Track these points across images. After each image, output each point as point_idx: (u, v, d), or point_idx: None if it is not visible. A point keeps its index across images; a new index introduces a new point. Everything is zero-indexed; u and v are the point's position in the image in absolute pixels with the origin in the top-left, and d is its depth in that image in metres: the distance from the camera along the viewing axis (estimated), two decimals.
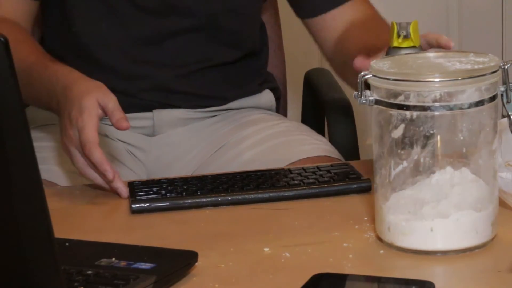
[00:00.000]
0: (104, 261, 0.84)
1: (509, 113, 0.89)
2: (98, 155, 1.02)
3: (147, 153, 1.37)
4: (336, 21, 1.37)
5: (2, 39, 0.55)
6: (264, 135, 1.33)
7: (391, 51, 1.03)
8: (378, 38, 1.18)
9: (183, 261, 0.86)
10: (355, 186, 1.07)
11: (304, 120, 1.56)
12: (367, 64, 0.98)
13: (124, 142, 1.36)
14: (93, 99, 1.04)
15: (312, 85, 1.60)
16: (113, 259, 0.84)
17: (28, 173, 0.62)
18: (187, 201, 1.04)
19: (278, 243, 0.95)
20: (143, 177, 1.34)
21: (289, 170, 1.16)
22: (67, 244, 0.92)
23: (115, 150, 1.35)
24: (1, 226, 0.65)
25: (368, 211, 1.03)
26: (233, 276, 0.87)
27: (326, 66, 1.55)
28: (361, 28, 1.32)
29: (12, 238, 0.66)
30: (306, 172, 1.13)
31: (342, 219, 1.03)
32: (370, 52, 1.10)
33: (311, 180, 1.08)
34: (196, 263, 0.84)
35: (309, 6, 1.38)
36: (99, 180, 1.05)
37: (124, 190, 1.05)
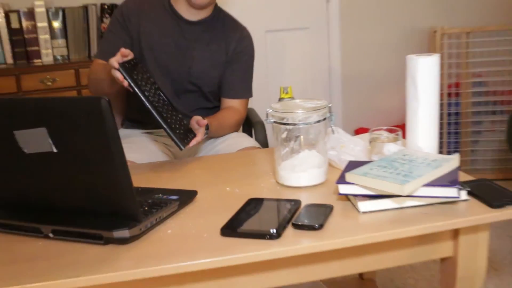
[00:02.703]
0: (156, 196, 1.33)
1: (332, 126, 1.45)
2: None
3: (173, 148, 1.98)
4: (228, 103, 2.06)
5: (106, 99, 1.05)
6: (229, 136, 1.97)
7: (280, 100, 1.66)
8: (218, 119, 1.91)
9: (190, 194, 1.37)
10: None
11: (244, 131, 2.20)
12: (198, 119, 1.71)
13: (164, 144, 2.00)
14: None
15: (248, 115, 2.20)
16: (160, 195, 1.34)
17: (119, 155, 1.09)
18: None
19: (232, 185, 1.46)
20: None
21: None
22: (139, 189, 1.38)
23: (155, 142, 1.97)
24: (109, 174, 1.10)
25: (271, 171, 1.55)
26: (213, 200, 1.36)
27: (253, 106, 2.19)
28: (223, 112, 2.02)
29: (111, 180, 1.11)
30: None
31: (261, 174, 1.55)
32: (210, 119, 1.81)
33: None
34: (196, 196, 1.37)
35: (224, 93, 2.07)
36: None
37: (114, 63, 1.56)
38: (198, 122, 1.72)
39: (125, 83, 1.56)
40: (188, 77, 1.99)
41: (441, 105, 3.35)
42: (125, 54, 1.59)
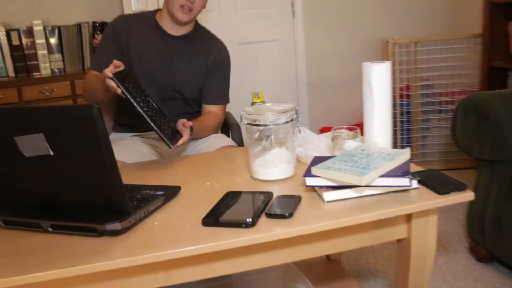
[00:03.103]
0: (144, 192, 1.32)
1: (299, 126, 1.45)
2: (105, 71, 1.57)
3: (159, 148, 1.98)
4: (208, 108, 2.06)
5: (97, 106, 1.05)
6: (209, 137, 1.97)
7: (252, 104, 1.67)
8: (200, 123, 1.91)
9: (174, 190, 1.36)
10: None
11: (222, 132, 2.17)
12: (184, 122, 1.71)
13: (151, 145, 2.00)
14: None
15: (225, 118, 2.17)
16: (147, 190, 1.33)
17: (110, 156, 1.17)
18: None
19: (212, 180, 1.45)
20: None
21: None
22: (128, 186, 1.36)
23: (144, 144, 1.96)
24: (101, 173, 1.10)
25: (246, 167, 1.55)
26: (194, 195, 1.35)
27: (229, 110, 2.21)
28: (204, 116, 2.01)
29: (103, 179, 1.11)
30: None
31: (237, 170, 1.54)
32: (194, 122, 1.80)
33: None
34: (180, 191, 1.37)
35: (204, 100, 2.06)
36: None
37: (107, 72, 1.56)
38: (184, 124, 1.72)
39: (118, 91, 1.56)
40: (172, 85, 1.98)
41: (394, 105, 3.38)
42: (117, 65, 1.59)
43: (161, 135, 1.57)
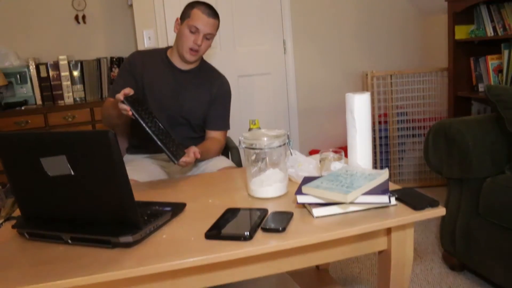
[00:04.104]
0: (153, 208, 1.30)
1: (290, 149, 1.47)
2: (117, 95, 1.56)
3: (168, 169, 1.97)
4: (211, 134, 2.05)
5: (113, 132, 1.06)
6: (211, 159, 1.96)
7: (249, 130, 1.67)
8: (205, 147, 1.90)
9: (180, 206, 1.34)
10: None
11: (223, 154, 2.14)
12: (195, 151, 1.70)
13: (160, 166, 1.98)
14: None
15: (226, 142, 2.16)
16: (157, 207, 1.31)
17: (124, 176, 1.11)
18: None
19: (214, 197, 1.44)
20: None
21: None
22: (140, 202, 1.33)
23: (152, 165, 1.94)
24: (115, 191, 1.10)
25: (244, 186, 1.51)
26: (198, 210, 1.33)
27: (229, 135, 2.20)
28: (208, 141, 2.01)
29: (117, 196, 1.11)
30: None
31: (236, 188, 1.52)
32: (199, 147, 1.79)
33: None
34: (185, 207, 1.35)
35: (208, 126, 2.05)
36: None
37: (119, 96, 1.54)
38: (194, 153, 1.72)
39: (129, 113, 1.55)
40: (180, 112, 1.98)
41: (373, 130, 3.38)
42: (126, 92, 1.57)
43: (166, 151, 1.55)
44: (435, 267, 2.22)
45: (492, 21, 2.86)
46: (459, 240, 2.01)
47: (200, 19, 1.87)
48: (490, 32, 2.87)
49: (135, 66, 1.96)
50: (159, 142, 1.55)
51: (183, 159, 1.63)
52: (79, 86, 3.35)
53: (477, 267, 1.97)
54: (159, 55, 2.02)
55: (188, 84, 1.99)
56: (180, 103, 1.97)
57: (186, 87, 1.98)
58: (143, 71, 1.95)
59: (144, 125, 1.54)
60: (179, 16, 1.98)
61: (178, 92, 1.97)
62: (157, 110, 1.89)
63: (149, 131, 1.54)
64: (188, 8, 1.92)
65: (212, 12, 1.90)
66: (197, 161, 1.94)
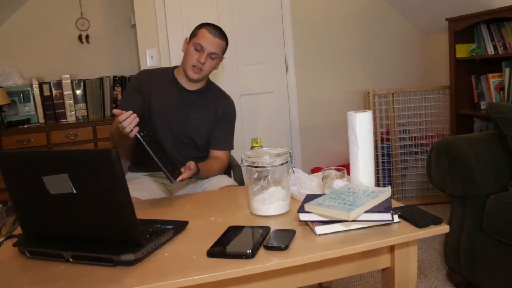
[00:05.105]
0: (155, 226, 1.30)
1: (293, 167, 1.44)
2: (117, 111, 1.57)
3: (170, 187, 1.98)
4: (214, 153, 2.05)
5: (115, 150, 1.07)
6: (213, 177, 1.95)
7: (252, 148, 1.67)
8: (207, 165, 1.91)
9: (182, 224, 1.34)
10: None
11: (225, 172, 2.13)
12: (189, 163, 1.70)
13: (162, 184, 1.99)
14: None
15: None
16: (158, 225, 1.31)
17: (126, 194, 1.17)
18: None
19: (216, 215, 1.43)
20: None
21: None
22: (142, 220, 1.32)
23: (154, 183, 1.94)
24: (116, 210, 1.09)
25: (246, 204, 1.52)
26: (200, 228, 1.32)
27: (231, 153, 2.16)
28: (210, 160, 2.01)
29: (119, 214, 1.10)
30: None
31: (238, 206, 1.51)
32: (201, 165, 1.82)
33: None
34: (187, 225, 1.34)
35: (211, 145, 2.06)
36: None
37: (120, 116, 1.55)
38: (188, 165, 1.73)
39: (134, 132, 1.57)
40: (185, 132, 1.99)
41: (376, 148, 3.38)
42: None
43: (163, 169, 1.58)
44: (440, 284, 2.19)
45: (492, 39, 2.88)
46: (463, 258, 1.99)
47: (205, 38, 1.91)
48: (490, 51, 2.89)
49: (143, 84, 1.98)
50: (157, 160, 1.57)
51: (179, 178, 1.65)
52: (81, 105, 3.37)
53: (482, 284, 1.94)
54: (166, 74, 2.04)
55: (194, 104, 2.01)
56: (186, 123, 1.98)
57: (192, 107, 2.00)
58: (151, 90, 1.97)
59: (144, 143, 1.56)
60: (186, 35, 2.02)
61: (184, 111, 1.98)
62: (162, 129, 1.93)
63: (149, 149, 1.56)
64: (197, 28, 1.97)
65: (219, 33, 1.93)
66: (198, 179, 1.94)
